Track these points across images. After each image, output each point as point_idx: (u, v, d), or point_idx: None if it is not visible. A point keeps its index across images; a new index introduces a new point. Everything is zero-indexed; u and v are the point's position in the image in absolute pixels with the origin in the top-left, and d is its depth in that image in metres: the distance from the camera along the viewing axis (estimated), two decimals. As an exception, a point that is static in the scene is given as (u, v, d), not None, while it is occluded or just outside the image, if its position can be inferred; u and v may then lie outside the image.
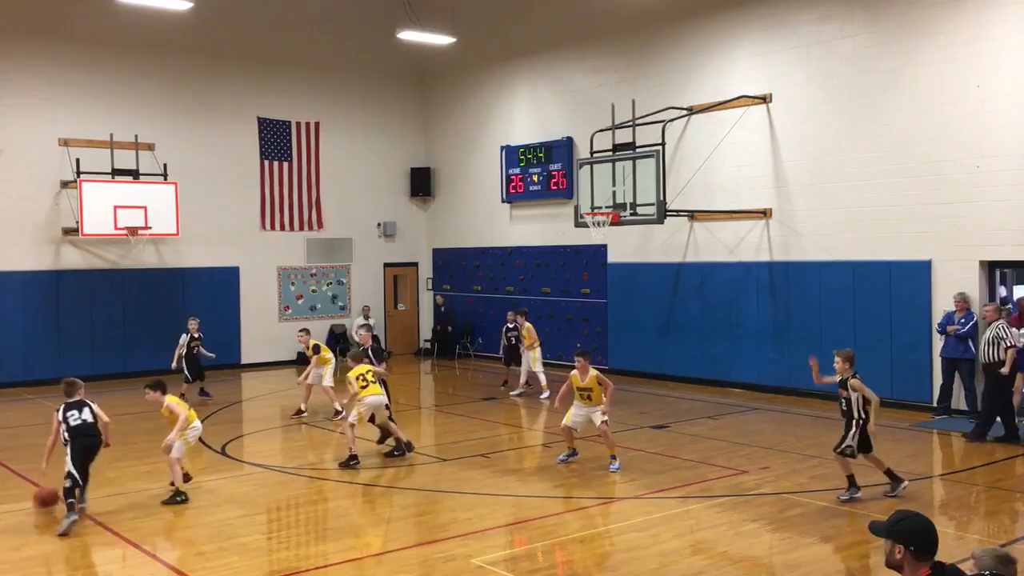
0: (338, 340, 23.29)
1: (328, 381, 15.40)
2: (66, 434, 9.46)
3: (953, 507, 9.91)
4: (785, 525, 9.03)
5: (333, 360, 15.76)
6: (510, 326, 18.16)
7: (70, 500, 9.14)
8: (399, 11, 21.09)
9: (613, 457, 11.39)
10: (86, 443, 9.50)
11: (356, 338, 17.66)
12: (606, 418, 11.33)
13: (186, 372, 17.05)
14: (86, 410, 9.67)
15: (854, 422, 9.80)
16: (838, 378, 9.99)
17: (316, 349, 15.59)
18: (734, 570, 7.92)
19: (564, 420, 11.66)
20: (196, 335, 17.25)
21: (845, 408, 9.91)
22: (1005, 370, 12.55)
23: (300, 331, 16.27)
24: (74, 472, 9.29)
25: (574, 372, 11.48)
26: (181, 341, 17.19)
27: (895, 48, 15.15)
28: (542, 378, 17.04)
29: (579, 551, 8.45)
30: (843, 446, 9.79)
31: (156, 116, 20.86)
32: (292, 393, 19.07)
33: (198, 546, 8.68)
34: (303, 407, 15.55)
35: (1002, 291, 15.65)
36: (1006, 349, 12.57)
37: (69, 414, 9.59)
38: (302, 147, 23.18)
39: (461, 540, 8.66)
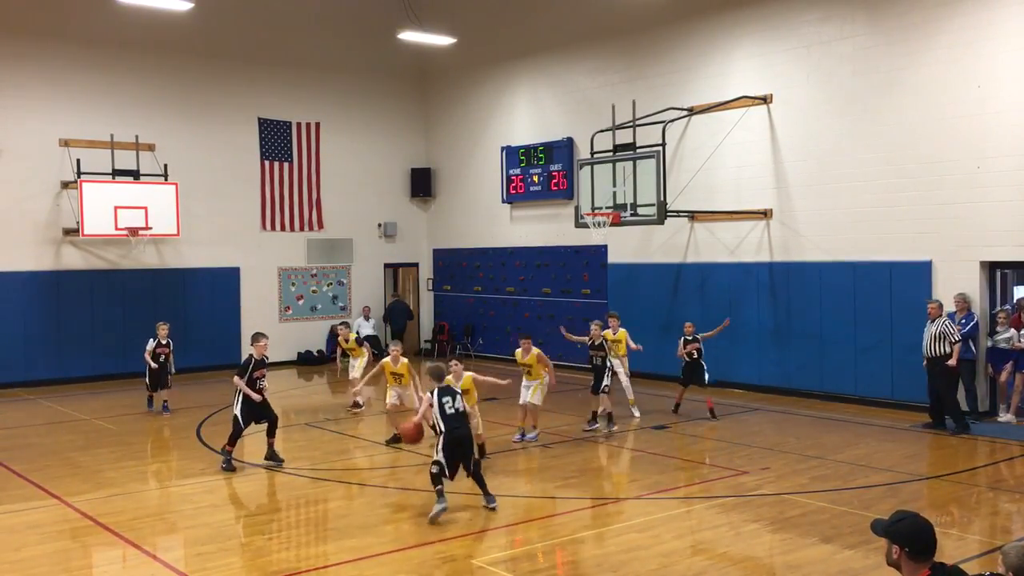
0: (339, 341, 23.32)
1: (356, 373, 16.11)
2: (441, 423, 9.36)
3: (954, 507, 9.90)
4: (785, 526, 9.03)
5: (367, 354, 16.55)
6: (688, 337, 15.11)
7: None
8: (399, 11, 21.10)
9: (533, 427, 13.05)
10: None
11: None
12: (536, 399, 12.86)
13: (147, 380, 16.00)
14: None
15: (606, 372, 13.68)
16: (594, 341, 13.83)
17: (360, 342, 16.76)
18: (735, 571, 7.91)
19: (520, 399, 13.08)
20: (164, 341, 15.85)
21: (599, 363, 13.76)
22: (952, 362, 13.29)
23: (341, 324, 17.18)
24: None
25: (518, 350, 13.05)
26: (148, 347, 15.80)
27: (896, 49, 15.15)
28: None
29: (579, 551, 8.44)
30: (604, 385, 13.64)
31: (156, 116, 20.86)
32: (293, 393, 19.11)
33: (198, 546, 8.68)
34: (360, 401, 16.12)
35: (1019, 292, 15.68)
36: (952, 344, 13.29)
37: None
38: (302, 147, 23.18)
39: (461, 540, 8.65)
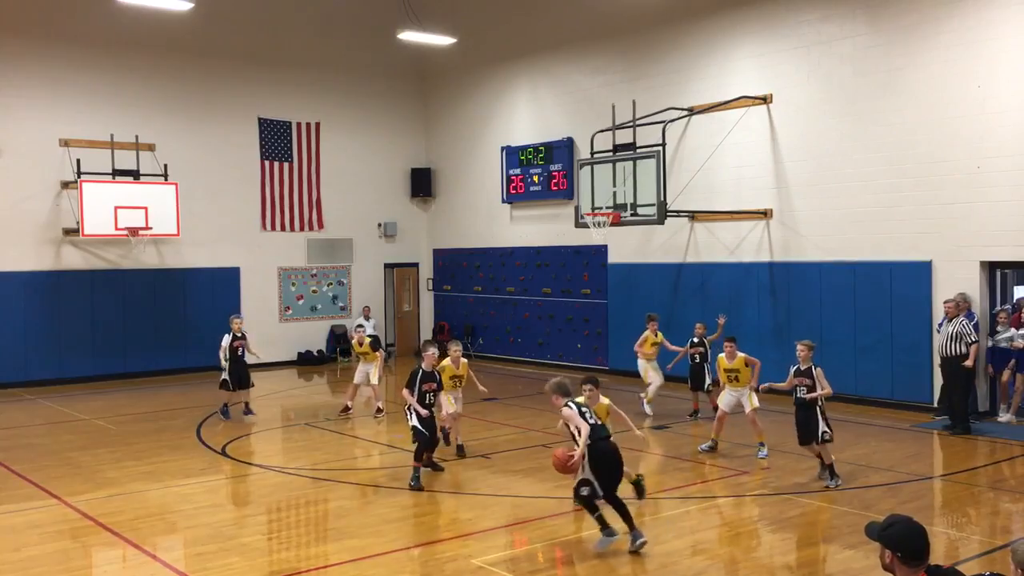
0: (339, 341, 23.35)
1: (374, 379, 15.44)
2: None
3: (954, 508, 9.91)
4: (785, 526, 9.03)
5: (380, 358, 15.85)
6: (695, 340, 14.74)
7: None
8: (399, 11, 21.08)
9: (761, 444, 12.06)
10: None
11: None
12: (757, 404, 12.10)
13: (228, 379, 15.20)
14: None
15: (819, 410, 10.54)
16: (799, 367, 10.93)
17: (375, 346, 15.68)
18: (735, 571, 7.91)
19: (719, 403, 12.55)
20: (240, 334, 15.34)
21: (805, 395, 10.60)
22: (969, 363, 13.21)
23: (358, 326, 16.70)
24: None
25: (721, 355, 12.57)
26: (224, 343, 15.32)
27: (896, 48, 15.15)
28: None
29: (579, 551, 8.44)
30: (820, 432, 10.47)
31: (156, 116, 20.85)
32: (293, 394, 19.11)
33: (198, 546, 8.68)
34: (350, 404, 15.66)
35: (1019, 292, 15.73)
36: (968, 345, 13.20)
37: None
38: (302, 147, 23.17)
39: (462, 540, 8.66)
